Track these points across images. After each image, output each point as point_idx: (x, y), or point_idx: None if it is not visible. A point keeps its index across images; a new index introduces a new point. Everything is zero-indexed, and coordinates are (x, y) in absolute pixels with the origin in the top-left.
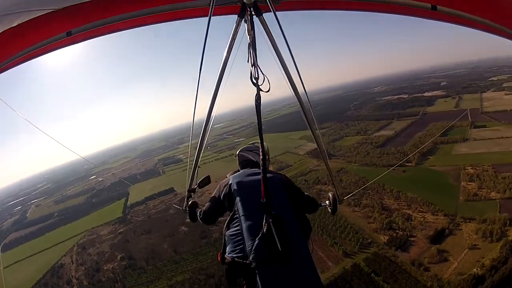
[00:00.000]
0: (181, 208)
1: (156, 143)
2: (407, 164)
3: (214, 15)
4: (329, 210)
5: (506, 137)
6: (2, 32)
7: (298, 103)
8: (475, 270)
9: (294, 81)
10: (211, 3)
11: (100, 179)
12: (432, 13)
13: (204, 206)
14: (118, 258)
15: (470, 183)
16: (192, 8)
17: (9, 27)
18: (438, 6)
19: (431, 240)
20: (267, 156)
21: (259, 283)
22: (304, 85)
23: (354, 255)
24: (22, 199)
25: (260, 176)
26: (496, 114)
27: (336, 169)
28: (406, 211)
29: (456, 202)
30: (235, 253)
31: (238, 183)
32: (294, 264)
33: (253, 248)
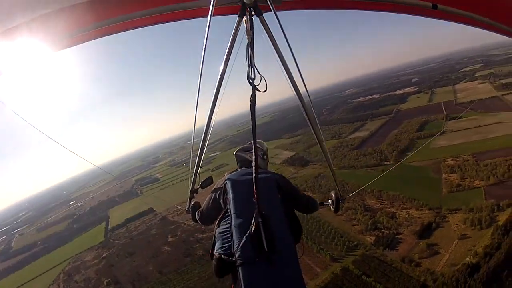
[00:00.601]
0: (184, 209)
1: (132, 164)
2: (385, 163)
3: (214, 15)
4: (332, 209)
5: (484, 125)
6: (3, 31)
7: (300, 103)
8: (468, 259)
9: (293, 82)
10: (211, 3)
11: (80, 203)
12: (433, 12)
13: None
14: (105, 283)
15: (451, 174)
16: (192, 8)
17: (9, 27)
18: (438, 5)
19: (418, 236)
20: (265, 156)
21: (241, 281)
22: (306, 85)
23: (342, 259)
24: (5, 228)
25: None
26: (471, 103)
27: (313, 175)
28: (390, 209)
29: (439, 195)
30: (223, 250)
31: (232, 182)
32: (278, 265)
33: (240, 246)
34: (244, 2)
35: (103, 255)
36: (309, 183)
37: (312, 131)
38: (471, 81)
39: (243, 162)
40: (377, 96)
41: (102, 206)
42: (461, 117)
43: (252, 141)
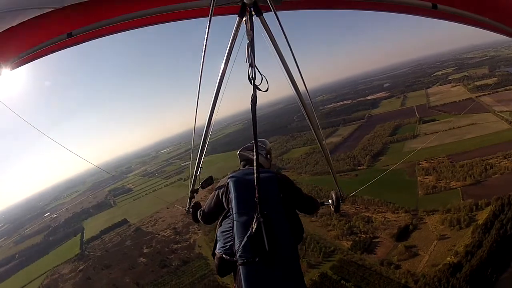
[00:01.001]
0: (184, 209)
1: (104, 174)
2: (358, 168)
3: (214, 15)
4: (332, 209)
5: (458, 127)
6: (3, 31)
7: (300, 103)
8: (449, 259)
9: (292, 81)
10: (212, 3)
11: (55, 215)
12: (433, 12)
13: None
14: None
15: (426, 176)
16: (193, 8)
17: (10, 26)
18: (438, 5)
19: (396, 238)
20: (268, 155)
21: (242, 280)
22: (306, 85)
23: (319, 265)
24: None
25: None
26: (445, 106)
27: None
28: (365, 214)
29: (415, 197)
30: (224, 249)
31: (234, 182)
32: (279, 264)
33: (241, 246)
34: (244, 2)
35: (80, 268)
36: None
37: (312, 131)
38: (444, 85)
39: (246, 161)
40: (349, 101)
41: (76, 217)
42: (434, 120)
43: (251, 143)
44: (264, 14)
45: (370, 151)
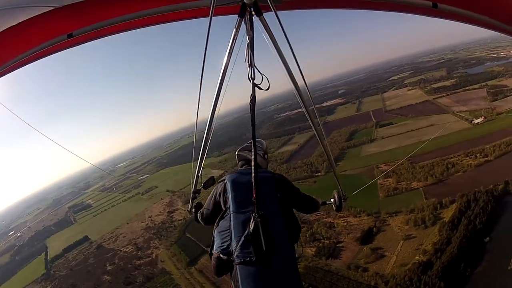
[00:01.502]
0: (186, 209)
1: (64, 191)
2: (316, 174)
3: (215, 15)
4: (334, 208)
5: (417, 129)
6: (3, 31)
7: (301, 103)
8: (417, 257)
9: (294, 81)
10: (212, 3)
11: (18, 234)
12: (433, 11)
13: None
14: None
15: (387, 179)
16: (193, 8)
17: (10, 26)
18: (439, 4)
19: (361, 242)
20: (266, 155)
21: (239, 280)
22: (307, 85)
23: None
24: None
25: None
26: (401, 109)
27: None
28: (327, 219)
29: (376, 200)
30: (221, 249)
31: (232, 181)
32: (275, 264)
33: (238, 245)
34: (244, 2)
35: None
36: None
37: (314, 130)
38: (400, 88)
39: (245, 162)
40: (303, 109)
41: (39, 236)
42: (391, 123)
43: (252, 141)
44: (265, 14)
45: (326, 159)
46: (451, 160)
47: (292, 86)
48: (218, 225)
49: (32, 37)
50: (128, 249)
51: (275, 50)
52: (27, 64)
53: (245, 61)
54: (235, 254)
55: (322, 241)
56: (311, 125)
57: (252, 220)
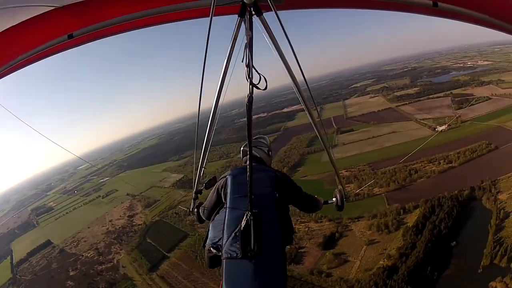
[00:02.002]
0: (188, 209)
1: (26, 192)
2: None
3: (215, 15)
4: (335, 208)
5: (378, 136)
6: (3, 31)
7: (302, 103)
8: (382, 262)
9: (295, 81)
10: (212, 3)
11: None
12: (433, 10)
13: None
14: None
15: (348, 185)
16: (193, 8)
17: (10, 26)
18: (439, 3)
19: (323, 247)
20: (270, 152)
21: (223, 274)
22: (308, 85)
23: None
24: None
25: (253, 172)
26: (363, 116)
27: (204, 197)
28: None
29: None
30: (212, 243)
31: (232, 177)
32: (260, 264)
33: (227, 241)
34: (244, 2)
35: None
36: None
37: (316, 130)
38: (362, 96)
39: (247, 158)
40: (264, 114)
41: (4, 239)
42: (352, 130)
43: (252, 139)
44: (265, 14)
45: (287, 163)
46: (413, 166)
47: (293, 85)
48: (213, 219)
49: (32, 37)
50: (89, 254)
51: (276, 50)
52: (27, 65)
53: (242, 61)
54: (223, 249)
55: None
56: (312, 125)
57: (244, 217)
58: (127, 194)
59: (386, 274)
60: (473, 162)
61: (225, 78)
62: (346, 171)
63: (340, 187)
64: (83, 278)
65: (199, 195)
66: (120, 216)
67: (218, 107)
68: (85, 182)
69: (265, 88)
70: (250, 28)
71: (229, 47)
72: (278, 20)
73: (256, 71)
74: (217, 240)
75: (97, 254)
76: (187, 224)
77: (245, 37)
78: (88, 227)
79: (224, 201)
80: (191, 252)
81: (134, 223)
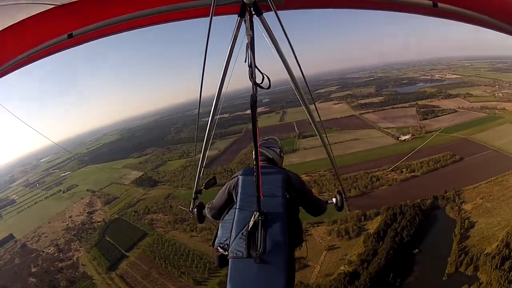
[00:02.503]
0: (187, 209)
1: None
2: None
3: (215, 15)
4: (335, 208)
5: (340, 142)
6: (2, 30)
7: (302, 102)
8: (343, 268)
9: (294, 81)
10: (212, 3)
11: None
12: (433, 11)
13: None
14: None
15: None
16: (193, 8)
17: (10, 25)
18: (439, 4)
19: None
20: (281, 153)
21: (228, 273)
22: (308, 84)
23: (206, 282)
24: None
25: (263, 173)
26: (326, 122)
27: (163, 195)
28: None
29: None
30: (220, 242)
31: (243, 178)
32: (265, 264)
33: (234, 240)
34: (244, 2)
35: None
36: (159, 204)
37: (315, 130)
38: (326, 102)
39: (261, 158)
40: (226, 115)
41: None
42: (314, 135)
43: (264, 140)
44: (265, 14)
45: (247, 165)
46: (375, 173)
47: (293, 85)
48: (223, 219)
49: (32, 37)
50: (50, 250)
51: (275, 50)
52: (27, 64)
53: (245, 61)
54: (230, 249)
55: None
56: (312, 124)
57: (252, 218)
58: (87, 190)
59: (348, 280)
60: (436, 172)
61: (225, 78)
62: (306, 175)
63: (340, 187)
64: (44, 275)
65: (198, 195)
66: (80, 212)
67: (218, 107)
68: (47, 175)
69: (269, 87)
70: (250, 28)
71: (229, 47)
72: (278, 20)
73: (259, 70)
74: (225, 239)
75: (57, 250)
76: (146, 223)
77: (246, 37)
78: (49, 222)
79: (235, 201)
80: (150, 252)
81: (93, 220)
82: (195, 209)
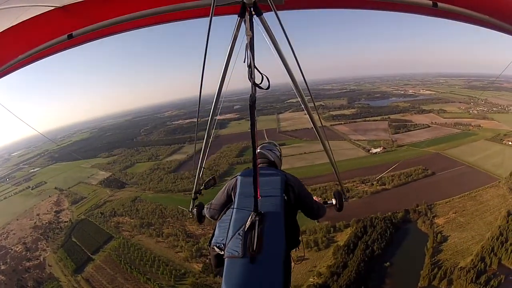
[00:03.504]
0: (187, 209)
1: None
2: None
3: (215, 15)
4: (334, 209)
5: (310, 152)
6: (3, 31)
7: (302, 103)
8: (312, 279)
9: (294, 81)
10: (212, 3)
11: None
12: (433, 10)
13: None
14: None
15: None
16: (193, 8)
17: (10, 26)
18: (438, 3)
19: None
20: (281, 156)
21: (223, 272)
22: (308, 85)
23: None
24: None
25: (262, 174)
26: (296, 132)
27: (130, 198)
28: None
29: None
30: (216, 242)
31: (242, 179)
32: (260, 265)
33: (230, 240)
34: (244, 2)
35: None
36: (126, 207)
37: (314, 129)
38: (297, 111)
39: (261, 160)
40: (195, 120)
41: None
42: (284, 144)
43: (265, 143)
44: (265, 14)
45: (215, 171)
46: (346, 185)
47: (292, 86)
48: (221, 218)
49: (33, 37)
50: (18, 249)
51: (275, 50)
52: (27, 65)
53: (244, 61)
54: (225, 248)
55: (209, 257)
56: (312, 125)
57: (249, 218)
58: (55, 188)
59: None
60: (408, 185)
61: (224, 78)
62: None
63: (339, 188)
64: (13, 273)
65: (198, 195)
66: (48, 210)
67: (218, 107)
68: (17, 170)
69: (268, 88)
70: (250, 28)
71: (229, 47)
72: (278, 20)
73: (259, 71)
74: (221, 239)
75: (25, 249)
76: (112, 225)
77: (245, 37)
78: (17, 219)
79: (233, 201)
80: (116, 256)
81: (60, 220)
82: (195, 209)
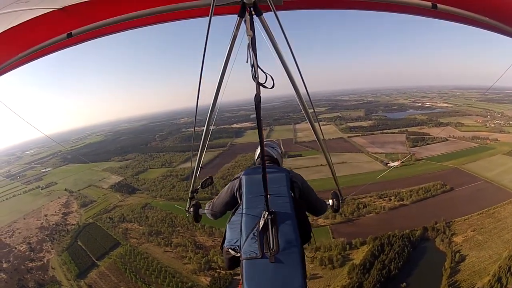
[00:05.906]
0: (184, 209)
1: None
2: (215, 196)
3: (214, 15)
4: (332, 210)
5: (326, 164)
6: (4, 31)
7: (300, 104)
8: None
9: (293, 82)
10: (212, 3)
11: None
12: (433, 12)
13: (214, 198)
14: None
15: None
16: (193, 8)
17: (10, 26)
18: (438, 5)
19: None
20: (282, 155)
21: (243, 275)
22: (306, 85)
23: None
24: None
25: (267, 172)
26: (312, 143)
27: (140, 204)
28: None
29: None
30: (230, 244)
31: (247, 178)
32: (280, 263)
33: (245, 241)
34: (244, 2)
35: None
36: (135, 213)
37: (312, 130)
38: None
39: (265, 158)
40: (212, 127)
41: None
42: (300, 155)
43: (266, 141)
44: (265, 14)
45: (228, 180)
46: (362, 200)
47: (292, 87)
48: (230, 220)
49: (32, 37)
50: (22, 248)
51: (275, 51)
52: (26, 63)
53: (247, 62)
54: (242, 250)
55: (218, 270)
56: (311, 126)
57: (262, 218)
58: (65, 189)
59: None
60: (426, 201)
61: (223, 78)
62: None
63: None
64: (14, 273)
65: (195, 194)
66: (56, 212)
67: (216, 107)
68: (29, 169)
69: (272, 87)
70: (251, 28)
71: (228, 47)
72: (277, 21)
73: (262, 70)
74: (235, 241)
75: (29, 249)
76: (120, 232)
77: (246, 37)
78: (24, 218)
79: (239, 202)
80: (121, 264)
81: (67, 222)
82: (191, 208)
